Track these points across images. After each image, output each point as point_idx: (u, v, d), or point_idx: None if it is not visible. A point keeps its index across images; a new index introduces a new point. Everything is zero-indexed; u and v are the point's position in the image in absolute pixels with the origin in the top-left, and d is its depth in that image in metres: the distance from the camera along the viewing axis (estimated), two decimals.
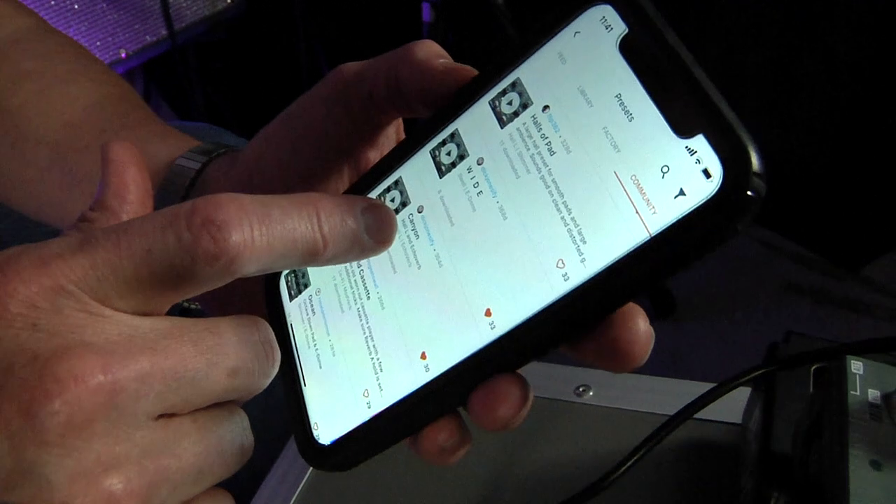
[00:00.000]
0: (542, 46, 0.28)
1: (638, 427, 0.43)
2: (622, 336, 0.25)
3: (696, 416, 0.41)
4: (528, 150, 0.27)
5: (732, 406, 0.46)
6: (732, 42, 1.67)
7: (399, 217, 0.30)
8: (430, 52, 0.31)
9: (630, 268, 0.24)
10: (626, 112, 0.25)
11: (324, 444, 0.30)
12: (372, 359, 0.30)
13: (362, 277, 0.31)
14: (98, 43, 1.44)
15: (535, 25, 0.29)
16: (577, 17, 0.27)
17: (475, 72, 0.31)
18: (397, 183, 0.32)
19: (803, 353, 0.41)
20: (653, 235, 0.23)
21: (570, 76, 0.27)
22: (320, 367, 0.31)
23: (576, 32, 0.27)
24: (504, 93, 0.29)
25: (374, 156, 0.35)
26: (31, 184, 0.47)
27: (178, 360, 0.24)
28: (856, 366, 0.36)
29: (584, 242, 0.25)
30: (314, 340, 0.32)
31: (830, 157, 1.67)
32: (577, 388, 0.53)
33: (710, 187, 0.22)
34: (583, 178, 0.25)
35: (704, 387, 0.42)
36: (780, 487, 0.37)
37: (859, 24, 1.55)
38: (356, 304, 0.31)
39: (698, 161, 0.23)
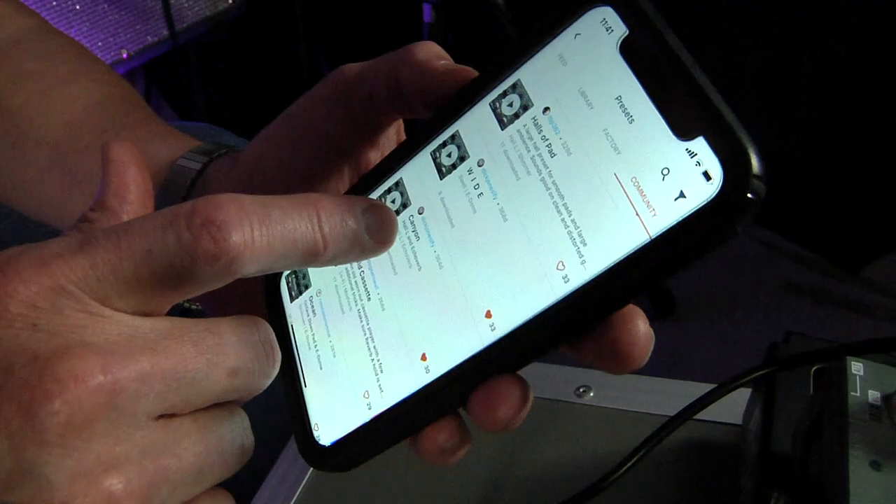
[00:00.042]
0: (542, 48, 0.28)
1: (638, 428, 0.43)
2: (622, 338, 0.25)
3: (696, 416, 0.41)
4: (529, 151, 0.27)
5: (732, 407, 0.46)
6: (732, 43, 1.67)
7: (400, 218, 0.30)
8: (431, 53, 0.32)
9: (630, 270, 0.24)
10: (627, 114, 0.25)
11: (324, 445, 0.30)
12: (372, 360, 0.30)
13: (363, 278, 0.31)
14: (99, 43, 1.44)
15: (536, 27, 0.29)
16: (577, 18, 0.27)
17: (476, 73, 0.31)
18: (398, 184, 0.32)
19: (803, 354, 0.41)
20: (653, 238, 0.23)
21: (570, 78, 0.27)
22: (321, 368, 0.31)
23: (576, 34, 0.27)
24: (505, 94, 0.29)
25: (374, 157, 0.35)
26: (32, 184, 0.47)
27: (179, 360, 0.24)
28: (856, 367, 0.36)
29: (585, 244, 0.25)
30: (315, 341, 0.32)
31: (830, 158, 1.67)
32: (578, 388, 0.53)
33: (711, 189, 0.22)
34: (583, 180, 0.25)
35: (704, 387, 0.42)
36: (780, 488, 0.37)
37: (859, 25, 1.55)
38: (357, 305, 0.31)
39: (698, 163, 0.23)
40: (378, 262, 0.31)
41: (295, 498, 0.49)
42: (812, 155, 1.69)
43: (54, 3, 1.36)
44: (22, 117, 0.46)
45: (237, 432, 0.27)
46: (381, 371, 0.29)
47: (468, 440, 0.29)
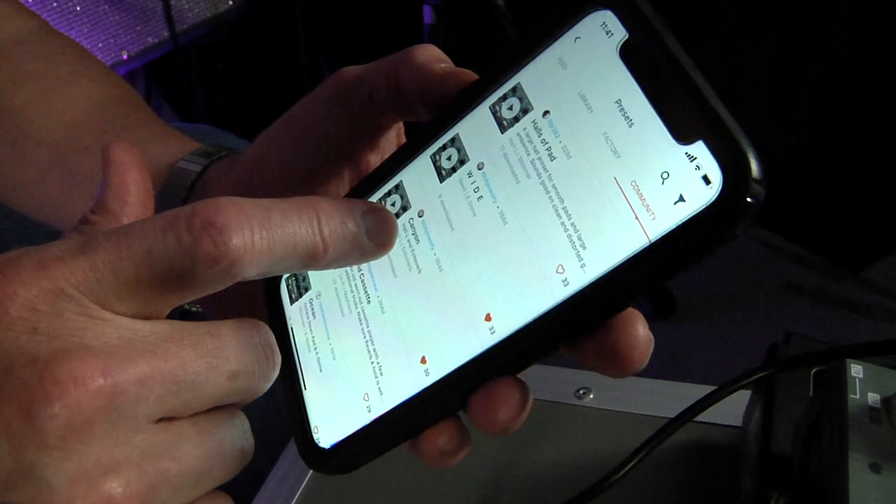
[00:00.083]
0: (542, 51, 0.28)
1: (638, 430, 0.43)
2: (621, 341, 0.25)
3: (696, 418, 0.41)
4: (529, 155, 0.27)
5: (732, 408, 0.46)
6: (732, 43, 1.67)
7: (399, 221, 0.30)
8: (431, 55, 0.32)
9: (629, 273, 0.24)
10: (627, 118, 0.25)
11: (324, 448, 0.30)
12: (372, 362, 0.30)
13: (363, 281, 0.31)
14: (100, 44, 1.44)
15: (536, 30, 0.29)
16: (577, 22, 0.27)
17: (475, 76, 0.31)
18: (398, 187, 0.32)
19: (803, 356, 0.41)
20: (652, 241, 0.23)
21: (570, 81, 0.27)
22: (321, 371, 0.31)
23: (576, 38, 0.27)
24: (504, 98, 0.29)
25: (374, 159, 0.35)
26: (32, 184, 0.47)
27: (179, 363, 0.24)
28: (855, 369, 0.36)
29: (584, 248, 0.25)
30: (314, 344, 0.32)
31: (831, 158, 1.67)
32: (578, 390, 0.53)
33: (710, 194, 0.22)
34: (583, 184, 0.25)
35: (704, 389, 0.42)
36: (780, 489, 0.37)
37: (859, 26, 1.55)
38: (356, 307, 0.31)
39: (698, 167, 0.23)
40: (378, 265, 0.31)
41: (294, 500, 0.49)
42: (812, 155, 1.69)
43: (55, 4, 1.36)
44: (22, 118, 0.46)
45: (237, 435, 0.27)
46: (381, 374, 0.29)
47: (468, 442, 0.29)
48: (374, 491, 0.49)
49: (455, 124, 0.30)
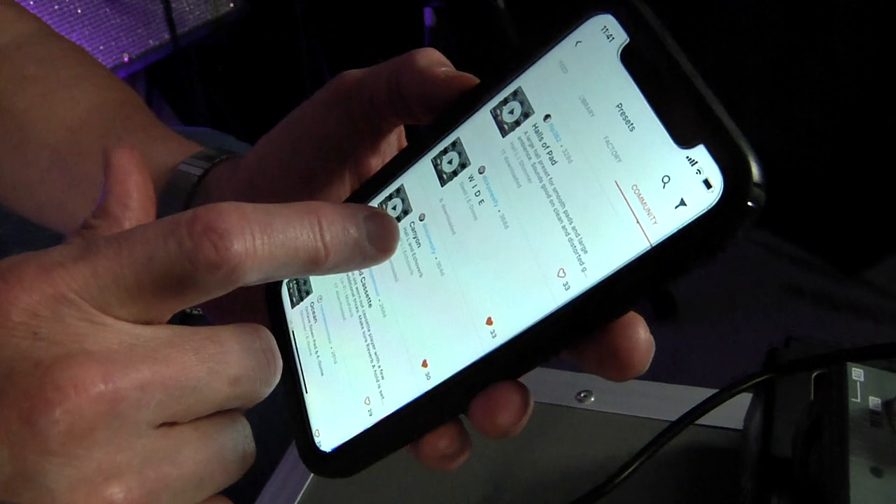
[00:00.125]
0: (543, 55, 0.28)
1: (639, 433, 0.43)
2: (622, 345, 0.25)
3: (696, 421, 0.41)
4: (530, 158, 0.27)
5: (733, 411, 0.46)
6: (732, 44, 1.67)
7: (401, 225, 0.30)
8: (432, 59, 0.32)
9: (630, 277, 0.24)
10: (627, 122, 0.25)
11: (325, 451, 0.30)
12: (373, 366, 0.30)
13: (364, 285, 0.31)
14: (101, 47, 1.44)
15: (537, 34, 0.29)
16: (578, 26, 0.27)
17: (476, 80, 0.31)
18: (399, 191, 0.32)
19: (803, 360, 0.41)
20: (653, 245, 0.23)
21: (571, 85, 0.27)
22: (322, 374, 0.31)
23: (577, 42, 0.27)
24: (505, 101, 0.29)
25: (375, 162, 0.35)
26: (33, 186, 0.47)
27: (180, 368, 0.24)
28: (856, 373, 0.36)
29: (585, 252, 0.25)
30: (316, 347, 0.32)
31: (831, 160, 1.67)
32: (579, 393, 0.53)
33: (711, 197, 0.22)
34: (584, 188, 0.25)
35: (705, 392, 0.42)
36: (780, 491, 0.37)
37: (860, 26, 1.55)
38: (358, 311, 0.31)
39: (699, 171, 0.23)
40: (379, 269, 0.31)
41: (295, 503, 0.49)
42: (812, 156, 1.69)
43: (56, 6, 1.36)
44: (24, 120, 0.47)
45: (239, 440, 0.27)
46: (382, 377, 0.29)
47: (469, 446, 0.29)
48: (374, 494, 0.48)
49: (456, 128, 0.30)
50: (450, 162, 0.30)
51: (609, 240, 0.24)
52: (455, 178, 0.30)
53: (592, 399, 0.52)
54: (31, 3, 1.33)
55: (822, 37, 1.58)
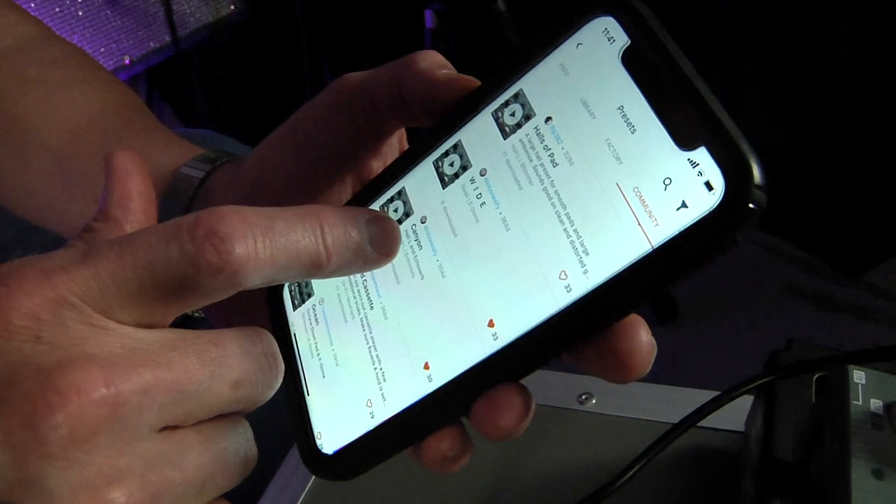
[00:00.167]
0: (544, 58, 0.28)
1: (640, 435, 0.43)
2: (624, 347, 0.25)
3: (697, 423, 0.41)
4: (531, 161, 0.27)
5: (734, 414, 0.45)
6: (732, 44, 1.67)
7: (402, 227, 0.30)
8: (433, 62, 0.32)
9: (632, 279, 0.24)
10: (629, 124, 0.25)
11: (327, 454, 0.30)
12: (375, 368, 0.30)
13: (365, 287, 0.31)
14: (102, 49, 1.45)
15: (538, 37, 0.29)
16: (579, 28, 0.27)
17: (478, 82, 0.31)
18: (400, 193, 0.32)
19: (804, 363, 0.41)
20: (655, 247, 0.23)
21: (572, 88, 0.27)
22: (323, 377, 0.31)
23: (578, 44, 0.27)
24: (507, 104, 0.29)
25: (377, 165, 0.35)
26: (35, 189, 0.47)
27: (182, 372, 0.24)
28: (858, 375, 0.36)
29: (587, 254, 0.25)
30: (317, 350, 0.32)
31: (832, 160, 1.67)
32: (580, 395, 0.52)
33: (712, 200, 0.22)
34: (585, 190, 0.25)
35: (706, 395, 0.42)
36: (781, 494, 0.37)
37: (860, 26, 1.55)
38: (359, 313, 0.31)
39: (700, 173, 0.23)
40: (381, 271, 0.31)
41: None
42: (813, 157, 1.69)
43: (57, 9, 1.37)
44: (26, 123, 0.47)
45: (240, 443, 0.27)
46: (384, 380, 0.29)
47: (470, 449, 0.29)
48: (376, 497, 0.48)
49: (457, 130, 0.30)
50: (451, 164, 0.30)
51: (610, 242, 0.24)
52: (456, 181, 0.30)
53: (594, 401, 0.52)
54: (33, 5, 1.33)
55: (822, 37, 1.58)
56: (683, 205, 0.23)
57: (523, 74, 0.29)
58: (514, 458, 0.49)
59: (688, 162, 0.23)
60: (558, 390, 0.53)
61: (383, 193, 0.32)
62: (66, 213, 0.46)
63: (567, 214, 0.26)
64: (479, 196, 0.29)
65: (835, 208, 1.66)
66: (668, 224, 0.23)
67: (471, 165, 0.29)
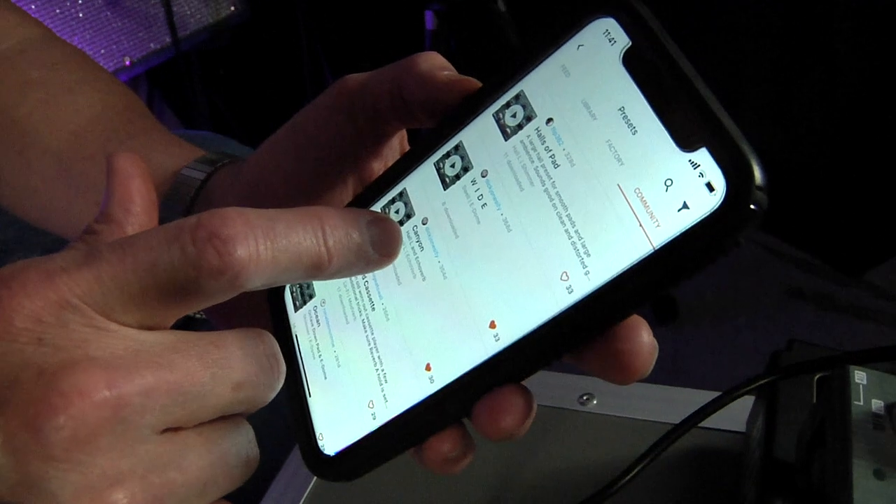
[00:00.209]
0: (545, 59, 0.28)
1: (642, 436, 0.43)
2: (625, 348, 0.25)
3: (698, 424, 0.41)
4: (532, 162, 0.27)
5: (735, 414, 0.46)
6: (732, 44, 1.67)
7: (403, 229, 0.30)
8: (434, 63, 0.32)
9: (633, 280, 0.24)
10: (630, 125, 0.25)
11: (329, 455, 0.30)
12: (377, 370, 0.30)
13: (367, 288, 0.31)
14: (102, 51, 1.45)
15: (539, 38, 0.29)
16: (580, 30, 0.27)
17: (479, 84, 0.31)
18: (402, 194, 0.32)
19: (806, 363, 0.41)
20: (656, 248, 0.23)
21: (573, 89, 0.27)
22: (325, 378, 0.31)
23: (579, 45, 0.27)
24: (508, 105, 0.29)
25: (378, 166, 0.36)
26: (37, 191, 0.47)
27: (184, 374, 0.24)
28: (859, 376, 0.36)
29: (588, 255, 0.25)
30: (319, 351, 0.32)
31: (832, 160, 1.67)
32: (581, 396, 0.52)
33: (714, 201, 0.22)
34: (586, 191, 0.26)
35: (708, 395, 0.42)
36: (782, 495, 0.37)
37: (860, 26, 1.55)
38: (361, 315, 0.31)
39: (701, 174, 0.23)
40: (382, 273, 0.31)
41: None
42: (813, 157, 1.69)
43: (57, 10, 1.37)
44: (28, 126, 0.47)
45: (242, 445, 0.27)
46: (386, 381, 0.29)
47: (472, 450, 0.29)
48: (377, 498, 0.48)
49: (459, 132, 0.30)
50: (452, 166, 0.30)
51: (612, 243, 0.24)
52: (458, 182, 0.30)
53: (595, 402, 0.52)
54: (34, 7, 1.33)
55: (822, 37, 1.58)
56: (685, 206, 0.23)
57: (524, 76, 0.29)
58: (515, 458, 0.49)
59: (689, 163, 0.23)
60: (559, 391, 0.53)
61: (385, 195, 0.32)
62: (67, 215, 0.46)
63: (568, 215, 0.26)
64: (480, 197, 0.29)
65: (835, 208, 1.66)
66: (669, 225, 0.23)
67: (472, 167, 0.29)
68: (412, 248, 0.30)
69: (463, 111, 0.30)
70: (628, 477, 0.40)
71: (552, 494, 0.47)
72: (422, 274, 0.29)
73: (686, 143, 0.23)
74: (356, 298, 0.32)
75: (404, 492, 0.48)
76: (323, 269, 0.26)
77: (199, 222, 0.24)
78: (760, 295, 1.63)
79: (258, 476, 0.28)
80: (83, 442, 0.22)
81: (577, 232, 0.25)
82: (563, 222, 0.26)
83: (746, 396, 0.41)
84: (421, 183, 0.31)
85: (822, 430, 0.36)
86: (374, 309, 0.31)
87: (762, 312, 1.59)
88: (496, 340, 0.27)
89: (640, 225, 0.24)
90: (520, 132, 0.28)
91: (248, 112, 1.79)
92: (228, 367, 0.25)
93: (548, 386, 0.53)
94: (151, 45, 1.53)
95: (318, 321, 0.33)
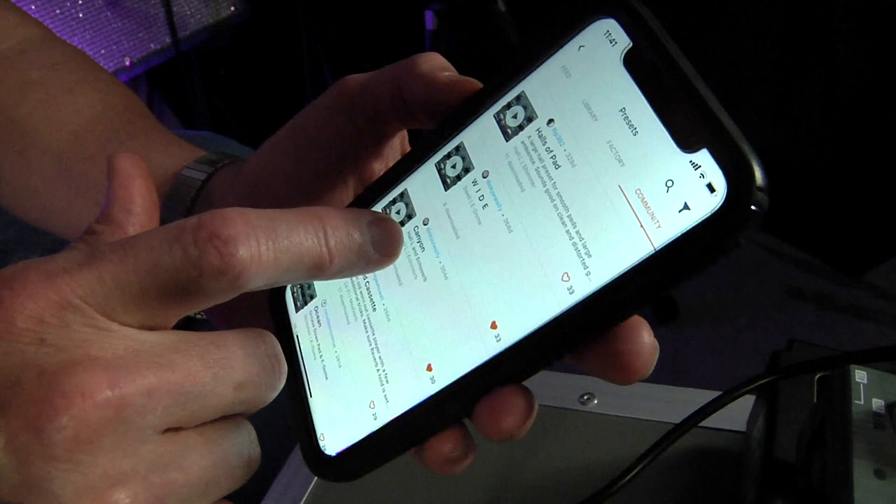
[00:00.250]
0: (546, 60, 0.28)
1: (642, 435, 0.43)
2: (626, 349, 0.25)
3: (699, 423, 0.41)
4: (533, 163, 0.27)
5: (735, 414, 0.46)
6: (733, 44, 1.67)
7: (404, 229, 0.30)
8: (435, 64, 0.32)
9: (634, 281, 0.24)
10: (631, 126, 0.25)
11: (330, 455, 0.30)
12: (378, 370, 0.30)
13: (368, 289, 0.31)
14: (103, 51, 1.45)
15: (539, 39, 0.29)
16: (581, 31, 0.27)
17: (480, 84, 0.31)
18: (402, 195, 0.32)
19: (806, 363, 0.41)
20: (657, 249, 0.23)
21: (574, 90, 0.27)
22: (326, 379, 0.31)
23: (580, 46, 0.27)
24: (509, 106, 0.29)
25: (378, 167, 0.36)
26: (37, 192, 0.47)
27: (185, 374, 0.24)
28: (859, 375, 0.36)
29: (589, 256, 0.25)
30: (320, 351, 0.32)
31: (832, 160, 1.68)
32: (582, 396, 0.53)
33: (714, 202, 0.22)
34: (587, 192, 0.26)
35: (708, 395, 0.42)
36: (783, 495, 0.37)
37: (860, 26, 1.55)
38: (362, 315, 0.31)
39: (702, 175, 0.23)
40: (383, 273, 0.31)
41: None
42: (813, 157, 1.69)
43: (57, 11, 1.37)
44: (28, 126, 0.47)
45: (243, 445, 0.27)
46: (387, 381, 0.29)
47: (473, 450, 0.29)
48: (378, 498, 0.49)
49: (459, 133, 0.30)
50: (453, 166, 0.30)
51: (613, 244, 0.24)
52: (459, 183, 0.30)
53: (595, 402, 0.52)
54: (34, 7, 1.33)
55: (823, 37, 1.58)
56: (685, 207, 0.23)
57: (525, 76, 0.29)
58: (516, 458, 0.49)
59: (690, 164, 0.23)
60: (560, 391, 0.53)
61: (385, 195, 0.32)
62: (67, 215, 0.46)
63: (569, 216, 0.26)
64: (481, 198, 0.29)
65: (835, 208, 1.66)
66: (670, 226, 0.23)
67: (473, 167, 0.29)
68: (413, 248, 0.30)
69: (464, 112, 0.30)
70: (628, 477, 0.40)
71: (552, 494, 0.47)
72: (423, 274, 0.30)
73: (687, 143, 0.23)
74: (357, 299, 0.32)
75: (405, 492, 0.48)
76: (324, 269, 0.26)
77: (200, 223, 0.24)
78: (760, 295, 1.63)
79: (259, 476, 0.28)
80: (85, 442, 0.22)
81: (578, 233, 0.25)
82: (564, 223, 0.26)
83: (747, 396, 0.41)
84: (422, 183, 0.31)
85: (823, 430, 0.36)
86: (375, 309, 0.31)
87: (762, 312, 1.59)
88: (497, 341, 0.27)
89: (641, 225, 0.24)
90: (521, 133, 0.28)
91: (248, 112, 1.79)
92: (230, 367, 0.25)
93: (548, 385, 0.53)
94: (151, 45, 1.53)
95: (318, 321, 0.33)
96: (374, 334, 0.30)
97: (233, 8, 1.66)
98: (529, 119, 0.28)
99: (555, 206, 0.26)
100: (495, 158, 0.29)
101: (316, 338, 0.32)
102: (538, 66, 0.29)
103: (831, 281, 1.63)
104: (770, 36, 1.65)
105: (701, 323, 1.57)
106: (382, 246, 0.28)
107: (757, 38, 1.66)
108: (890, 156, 1.58)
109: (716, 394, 0.41)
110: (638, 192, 0.24)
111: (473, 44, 1.43)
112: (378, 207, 0.33)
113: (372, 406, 0.30)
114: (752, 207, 0.22)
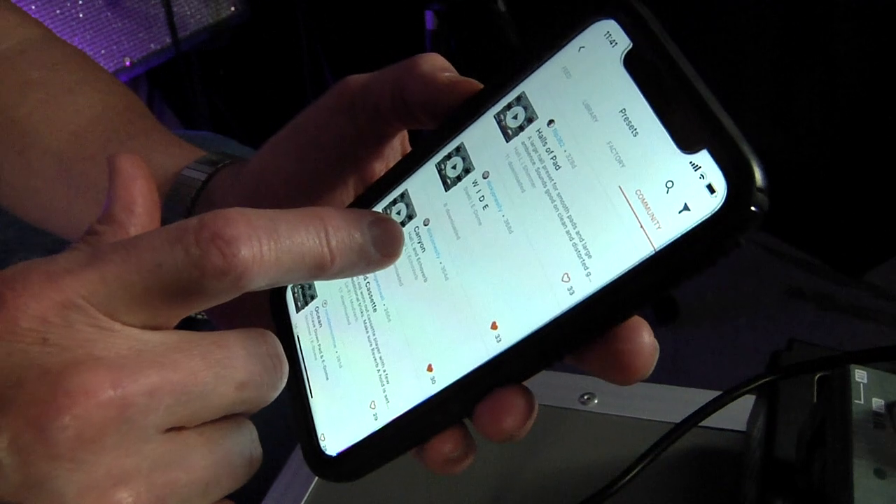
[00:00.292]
0: (546, 61, 0.28)
1: (642, 435, 0.43)
2: (626, 349, 0.25)
3: (699, 423, 0.41)
4: (534, 164, 0.28)
5: (736, 414, 0.46)
6: (732, 44, 1.67)
7: (405, 230, 0.30)
8: (435, 65, 0.32)
9: (634, 282, 0.24)
10: (631, 127, 0.25)
11: (330, 455, 0.30)
12: (378, 370, 0.30)
13: (368, 289, 0.31)
14: (103, 51, 1.45)
15: (540, 39, 0.29)
16: (581, 31, 0.27)
17: (480, 85, 0.31)
18: (403, 195, 0.32)
19: (806, 362, 0.41)
20: (657, 250, 0.23)
21: (574, 91, 0.27)
22: (327, 379, 0.31)
23: (580, 47, 0.27)
24: (509, 107, 0.29)
25: (379, 167, 0.36)
26: (38, 192, 0.47)
27: (187, 373, 0.24)
28: (859, 374, 0.36)
29: (590, 256, 0.25)
30: (321, 352, 0.32)
31: (832, 160, 1.68)
32: (582, 396, 0.53)
33: (715, 202, 0.22)
34: (588, 193, 0.26)
35: (708, 395, 0.42)
36: (783, 495, 0.37)
37: (860, 26, 1.55)
38: (363, 315, 0.31)
39: (702, 176, 0.23)
40: (384, 273, 0.31)
41: None
42: (813, 157, 1.69)
43: (58, 11, 1.37)
44: (28, 126, 0.47)
45: (245, 444, 0.27)
46: (388, 381, 0.30)
47: (473, 450, 0.29)
48: (378, 498, 0.49)
49: (460, 133, 0.30)
50: (454, 167, 0.30)
51: (613, 244, 0.25)
52: (459, 183, 0.30)
53: (596, 401, 0.52)
54: (34, 7, 1.33)
55: (822, 37, 1.58)
56: (686, 207, 0.23)
57: (525, 77, 0.29)
58: (516, 458, 0.49)
59: (690, 165, 0.23)
60: (560, 391, 0.53)
61: (386, 196, 0.32)
62: (68, 215, 0.46)
63: (570, 217, 0.26)
64: (481, 199, 0.29)
65: (835, 208, 1.66)
66: (670, 227, 0.23)
67: (473, 168, 0.30)
68: (414, 248, 0.30)
69: (464, 112, 0.30)
70: (628, 477, 0.40)
71: (552, 494, 0.47)
72: (423, 275, 0.30)
73: (687, 144, 0.24)
74: (358, 299, 0.32)
75: (405, 492, 0.49)
76: (325, 269, 0.26)
77: (202, 223, 0.24)
78: (760, 295, 1.63)
79: (260, 476, 0.28)
80: (88, 441, 0.22)
81: (578, 233, 0.26)
82: (564, 224, 0.26)
83: (747, 396, 0.42)
84: (422, 184, 0.31)
85: (823, 430, 0.36)
86: (375, 310, 0.31)
87: (762, 312, 1.59)
88: (498, 341, 0.27)
89: (641, 226, 0.24)
90: (521, 133, 0.28)
91: (248, 112, 1.79)
92: (231, 366, 0.25)
93: (549, 385, 0.53)
94: (151, 45, 1.53)
95: (319, 322, 0.33)
96: (374, 334, 0.31)
97: (233, 8, 1.66)
98: (530, 120, 0.28)
99: (555, 206, 0.26)
100: (496, 159, 0.29)
101: (317, 338, 0.33)
102: (538, 67, 0.29)
103: (831, 281, 1.63)
104: (770, 36, 1.65)
105: (701, 323, 1.57)
106: (383, 246, 0.28)
107: (757, 38, 1.66)
108: (890, 156, 1.58)
109: (716, 394, 0.41)
110: (638, 192, 0.24)
111: (473, 44, 1.43)
112: (379, 208, 0.33)
113: (373, 406, 0.30)
114: (752, 208, 0.22)
